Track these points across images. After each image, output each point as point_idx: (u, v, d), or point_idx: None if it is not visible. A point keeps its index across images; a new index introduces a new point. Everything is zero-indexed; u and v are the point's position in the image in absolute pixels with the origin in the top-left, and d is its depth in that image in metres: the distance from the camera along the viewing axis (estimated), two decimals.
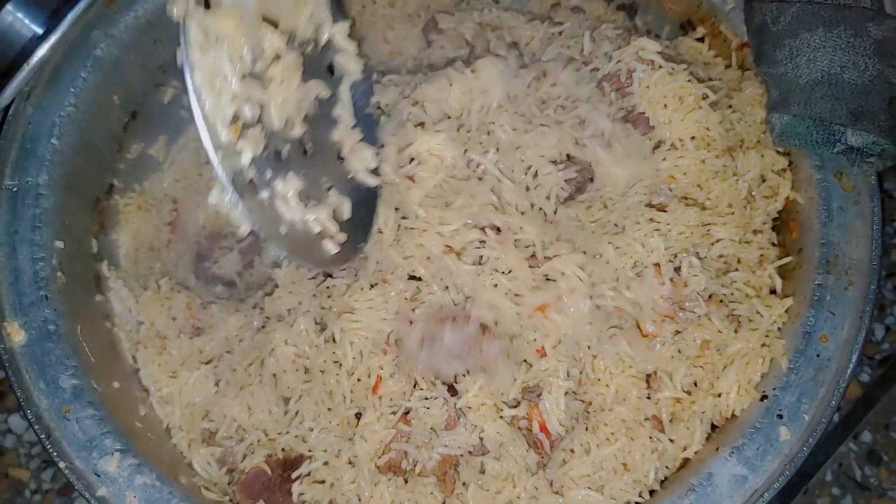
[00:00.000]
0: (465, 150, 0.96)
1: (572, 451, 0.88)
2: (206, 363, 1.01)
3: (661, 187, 0.97)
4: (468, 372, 0.89)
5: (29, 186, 0.97)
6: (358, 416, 0.93)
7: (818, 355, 0.88)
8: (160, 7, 1.06)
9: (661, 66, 0.98)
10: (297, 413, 0.96)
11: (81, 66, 1.03)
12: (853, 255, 0.91)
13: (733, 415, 0.89)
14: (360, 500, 0.90)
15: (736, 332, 0.91)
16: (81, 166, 1.03)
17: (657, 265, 0.91)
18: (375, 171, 0.92)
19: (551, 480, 0.89)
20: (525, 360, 0.90)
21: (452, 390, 0.90)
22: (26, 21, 0.94)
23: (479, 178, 0.95)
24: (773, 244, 0.99)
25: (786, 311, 0.92)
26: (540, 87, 1.02)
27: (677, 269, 0.91)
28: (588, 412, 0.90)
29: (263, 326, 1.00)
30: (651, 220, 0.92)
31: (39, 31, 0.95)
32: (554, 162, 0.97)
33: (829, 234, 0.93)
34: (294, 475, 0.93)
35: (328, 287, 0.97)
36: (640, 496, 0.88)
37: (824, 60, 0.93)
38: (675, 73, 0.98)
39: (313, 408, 0.95)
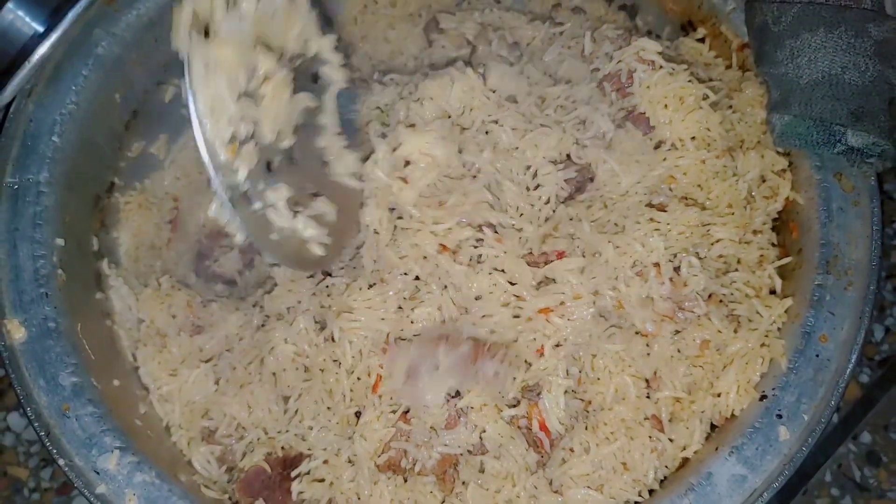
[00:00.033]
0: (461, 150, 0.96)
1: (572, 450, 0.88)
2: (206, 361, 1.01)
3: (662, 187, 0.97)
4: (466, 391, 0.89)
5: (30, 184, 0.97)
6: (357, 414, 0.93)
7: (817, 355, 0.88)
8: (161, 5, 1.06)
9: (661, 67, 0.98)
10: (296, 412, 0.96)
11: (83, 65, 1.03)
12: (853, 256, 0.92)
13: (733, 414, 0.90)
14: (359, 498, 0.90)
15: (735, 331, 0.91)
16: (82, 164, 1.03)
17: (657, 265, 0.91)
18: (358, 175, 0.95)
19: (551, 479, 0.89)
20: (525, 360, 0.90)
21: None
22: (27, 19, 0.95)
23: (474, 177, 0.95)
24: (773, 244, 0.99)
25: (785, 312, 0.92)
26: (540, 87, 1.02)
27: (677, 269, 0.91)
28: (588, 411, 0.91)
29: (263, 325, 1.00)
30: (651, 219, 0.92)
31: (40, 29, 0.95)
32: (554, 162, 0.97)
33: (829, 234, 0.93)
34: (293, 474, 0.93)
35: (327, 286, 0.97)
36: (640, 495, 0.88)
37: (825, 61, 0.94)
38: (676, 73, 0.98)
39: (313, 406, 0.95)
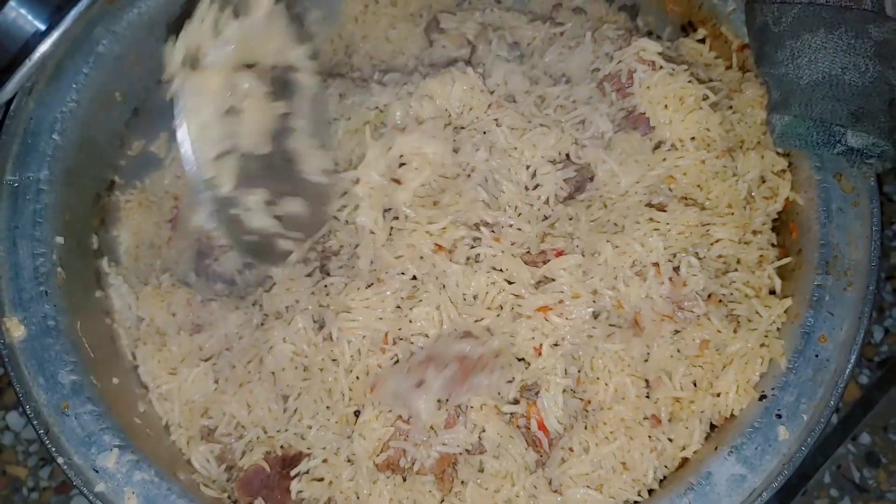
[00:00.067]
0: (458, 149, 0.97)
1: (571, 449, 0.88)
2: (206, 360, 1.01)
3: (661, 187, 0.97)
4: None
5: (30, 182, 0.97)
6: (357, 413, 0.93)
7: (817, 355, 0.88)
8: (162, 4, 1.06)
9: (661, 67, 0.98)
10: (295, 411, 0.96)
11: (84, 63, 1.03)
12: (852, 256, 0.92)
13: (732, 414, 0.89)
14: (358, 497, 0.90)
15: (735, 331, 0.91)
16: (82, 162, 1.03)
17: (656, 265, 0.91)
18: (328, 171, 0.99)
19: (550, 479, 0.89)
20: (524, 359, 0.90)
21: None
22: (29, 17, 0.95)
23: (468, 176, 0.96)
24: (773, 245, 1.00)
25: (785, 312, 0.92)
26: (540, 87, 1.02)
27: (676, 269, 0.91)
28: (587, 411, 0.91)
29: (262, 324, 1.00)
30: (651, 219, 0.92)
31: (42, 27, 0.96)
32: (553, 161, 0.97)
33: (829, 234, 0.93)
34: (293, 473, 0.93)
35: (326, 286, 0.97)
36: (639, 495, 0.88)
37: (825, 62, 0.94)
38: (676, 73, 0.98)
39: (312, 405, 0.95)
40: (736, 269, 0.95)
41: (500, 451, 0.89)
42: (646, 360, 0.91)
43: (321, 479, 0.92)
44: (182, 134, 0.84)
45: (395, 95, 1.03)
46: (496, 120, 0.98)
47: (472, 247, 0.92)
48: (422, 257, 0.92)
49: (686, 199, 0.96)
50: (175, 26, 0.84)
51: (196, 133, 0.84)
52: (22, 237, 0.95)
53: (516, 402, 0.90)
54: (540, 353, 0.89)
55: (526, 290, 0.90)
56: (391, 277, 0.93)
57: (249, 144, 0.90)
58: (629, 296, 0.91)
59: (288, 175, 0.96)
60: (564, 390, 0.89)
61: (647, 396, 0.90)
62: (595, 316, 0.91)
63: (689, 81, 0.98)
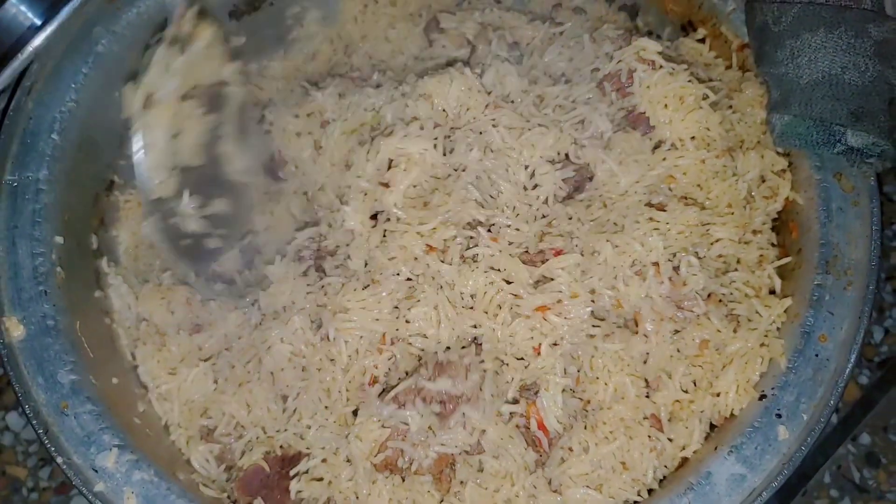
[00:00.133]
0: (452, 150, 0.97)
1: (571, 449, 0.88)
2: (205, 360, 1.01)
3: (661, 187, 0.97)
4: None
5: (29, 181, 0.97)
6: (355, 413, 0.93)
7: (817, 355, 0.88)
8: (162, 3, 1.06)
9: (661, 67, 0.98)
10: (294, 410, 0.96)
11: (83, 62, 1.03)
12: (852, 256, 0.92)
13: (732, 414, 0.89)
14: (357, 497, 0.90)
15: (735, 331, 0.91)
16: (82, 162, 1.03)
17: (656, 264, 0.91)
18: (252, 172, 1.07)
19: (550, 479, 0.89)
20: (522, 358, 0.90)
21: None
22: (29, 14, 0.95)
23: (459, 176, 0.96)
24: (773, 244, 1.00)
25: (785, 311, 0.92)
26: (539, 87, 1.02)
27: (676, 269, 0.91)
28: (586, 410, 0.90)
29: (260, 323, 1.00)
30: (650, 219, 0.92)
31: (38, 22, 0.96)
32: (552, 161, 0.97)
33: (829, 234, 0.93)
34: (292, 472, 0.93)
35: (323, 286, 0.97)
36: (639, 495, 0.88)
37: (825, 61, 0.94)
38: (676, 73, 0.98)
39: (311, 405, 0.95)
40: (736, 269, 0.95)
41: (500, 450, 0.89)
42: (645, 361, 0.91)
43: (320, 479, 0.92)
44: (139, 160, 0.96)
45: (390, 97, 1.03)
46: (493, 120, 0.98)
47: (469, 247, 0.92)
48: (416, 258, 0.92)
49: (686, 198, 0.96)
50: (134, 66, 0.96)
51: (149, 161, 0.96)
52: (21, 237, 0.95)
53: (515, 401, 0.89)
54: (539, 353, 0.89)
55: (524, 290, 0.90)
56: (386, 279, 0.93)
57: (188, 158, 0.99)
58: (629, 295, 0.90)
59: (215, 177, 1.03)
60: (564, 390, 0.89)
61: (647, 396, 0.90)
62: (594, 315, 0.91)
63: (689, 81, 0.98)
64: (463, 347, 0.91)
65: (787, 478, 0.84)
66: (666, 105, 0.98)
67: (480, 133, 0.98)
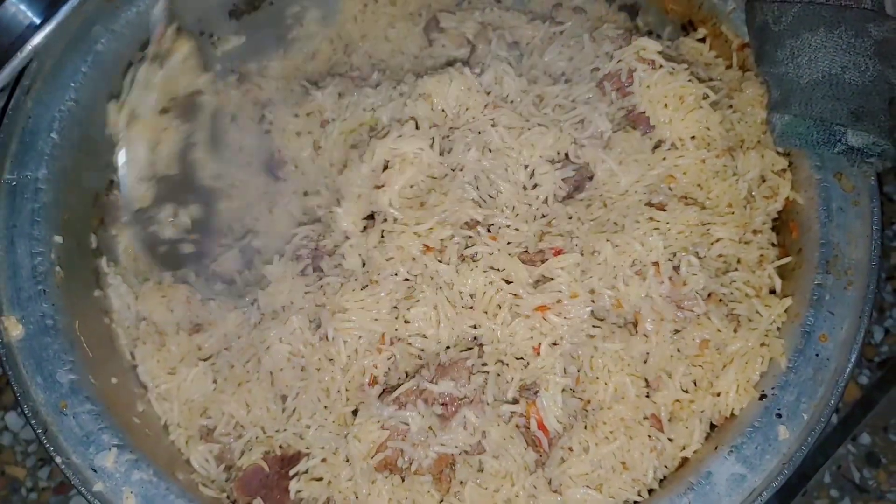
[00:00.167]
0: (450, 150, 0.97)
1: (571, 449, 0.88)
2: (205, 360, 1.01)
3: (661, 186, 0.97)
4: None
5: (28, 181, 0.97)
6: (355, 412, 0.93)
7: (817, 355, 0.88)
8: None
9: (661, 66, 0.98)
10: (294, 410, 0.96)
11: (82, 61, 1.03)
12: (852, 255, 0.91)
13: (732, 414, 0.89)
14: (357, 497, 0.90)
15: (735, 331, 0.91)
16: (81, 161, 1.03)
17: (656, 264, 0.91)
18: (219, 176, 1.11)
19: (550, 479, 0.89)
20: (522, 358, 0.90)
21: None
22: (28, 13, 0.95)
23: (455, 176, 0.96)
24: (773, 244, 0.99)
25: (785, 311, 0.92)
26: (539, 87, 1.02)
27: (676, 268, 0.91)
28: (587, 410, 0.90)
29: (259, 323, 1.00)
30: (650, 218, 0.92)
31: (37, 20, 0.96)
32: (551, 161, 0.97)
33: (829, 234, 0.93)
34: (292, 472, 0.93)
35: (322, 286, 0.97)
36: (639, 495, 0.88)
37: (825, 61, 0.94)
38: (676, 72, 0.98)
39: (310, 405, 0.94)
40: (736, 269, 0.95)
41: (500, 450, 0.88)
42: (645, 360, 0.91)
43: (320, 479, 0.92)
44: (122, 175, 1.01)
45: (389, 97, 1.03)
46: (492, 120, 0.98)
47: (467, 246, 0.92)
48: (413, 259, 0.92)
49: (686, 198, 0.96)
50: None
51: (132, 175, 1.01)
52: (20, 236, 0.95)
53: (515, 401, 0.89)
54: (538, 353, 0.89)
55: (524, 290, 0.90)
56: (384, 279, 0.93)
57: (164, 168, 1.04)
58: (629, 295, 0.90)
59: (189, 184, 1.08)
60: (564, 390, 0.89)
61: (648, 396, 0.90)
62: (594, 315, 0.91)
63: (689, 80, 0.97)
64: (468, 349, 0.91)
65: (788, 478, 0.84)
66: (666, 105, 0.97)
67: (479, 133, 0.98)
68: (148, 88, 1.00)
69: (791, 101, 0.95)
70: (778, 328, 0.92)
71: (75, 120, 1.01)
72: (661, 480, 0.90)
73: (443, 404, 0.88)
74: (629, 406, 0.89)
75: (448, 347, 0.92)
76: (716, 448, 0.86)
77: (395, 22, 1.22)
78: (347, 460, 0.91)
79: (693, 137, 0.97)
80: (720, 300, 0.92)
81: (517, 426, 0.89)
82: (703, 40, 1.11)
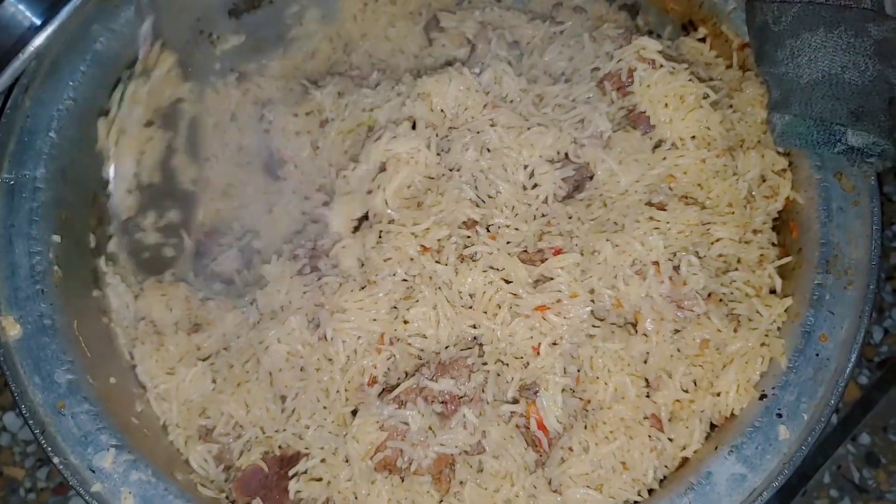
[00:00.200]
0: (448, 150, 0.97)
1: (571, 449, 0.88)
2: (204, 360, 1.01)
3: (661, 186, 0.97)
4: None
5: (26, 180, 0.97)
6: (354, 412, 0.92)
7: (817, 354, 0.88)
8: (161, 1, 1.05)
9: (662, 66, 0.98)
10: (293, 410, 0.95)
11: (81, 60, 1.02)
12: (852, 255, 0.91)
13: (732, 414, 0.89)
14: (356, 498, 0.90)
15: (735, 331, 0.91)
16: (80, 160, 1.03)
17: (656, 263, 0.91)
18: (196, 180, 1.14)
19: (550, 479, 0.88)
20: (521, 358, 0.90)
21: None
22: (27, 13, 0.95)
23: (452, 176, 0.96)
24: (773, 244, 0.99)
25: (785, 311, 0.92)
26: (539, 86, 1.02)
27: (676, 268, 0.91)
28: (587, 410, 0.90)
29: (259, 322, 1.00)
30: (651, 218, 0.92)
31: (38, 21, 0.96)
32: (551, 161, 0.97)
33: (829, 234, 0.93)
34: (291, 473, 0.93)
35: (321, 286, 0.97)
36: (639, 495, 0.88)
37: (825, 61, 0.94)
38: (676, 72, 0.98)
39: (309, 405, 0.94)
40: (736, 269, 0.95)
41: (500, 450, 0.88)
42: (645, 360, 0.91)
43: (319, 479, 0.92)
44: (112, 190, 1.04)
45: (386, 98, 1.03)
46: (491, 120, 0.98)
47: (466, 246, 0.92)
48: (411, 259, 0.92)
49: (686, 197, 0.96)
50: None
51: (121, 188, 1.05)
52: (18, 235, 0.94)
53: (515, 401, 0.89)
54: (538, 353, 0.89)
55: (523, 290, 0.90)
56: (383, 279, 0.93)
57: (148, 177, 1.07)
58: (629, 295, 0.90)
59: (169, 189, 1.11)
60: (564, 389, 0.88)
61: (648, 396, 0.90)
62: (594, 315, 0.90)
63: (690, 80, 0.97)
64: (468, 349, 0.91)
65: (788, 478, 0.83)
66: (666, 104, 0.97)
67: (478, 133, 0.98)
68: (135, 103, 1.04)
69: (791, 101, 0.95)
70: (778, 328, 0.91)
71: (74, 119, 1.01)
72: (661, 480, 0.90)
73: (442, 402, 0.88)
74: (629, 406, 0.88)
75: (448, 347, 0.91)
76: (716, 448, 0.86)
77: (395, 21, 1.22)
78: (347, 460, 0.91)
79: (693, 137, 0.97)
80: (720, 300, 0.92)
81: (517, 426, 0.89)
82: (703, 40, 1.11)
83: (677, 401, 0.91)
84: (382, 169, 0.98)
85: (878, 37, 0.94)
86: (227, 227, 1.16)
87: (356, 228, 1.00)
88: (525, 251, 0.93)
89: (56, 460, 0.86)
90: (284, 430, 0.95)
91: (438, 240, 0.92)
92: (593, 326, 0.90)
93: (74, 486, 0.85)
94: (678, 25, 1.15)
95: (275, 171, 1.13)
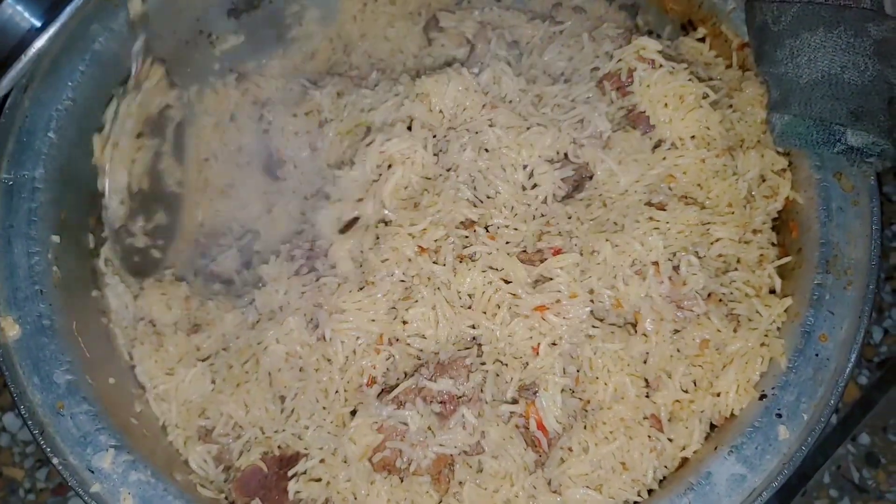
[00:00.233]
0: (446, 150, 0.97)
1: (570, 449, 0.88)
2: (203, 360, 1.00)
3: (661, 186, 0.97)
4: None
5: (25, 180, 0.97)
6: (354, 413, 0.92)
7: (817, 354, 0.88)
8: (160, 1, 1.05)
9: (661, 66, 0.98)
10: (293, 411, 0.95)
11: (80, 60, 1.02)
12: (852, 255, 0.91)
13: (732, 414, 0.89)
14: (355, 498, 0.90)
15: (735, 331, 0.90)
16: (78, 161, 1.03)
17: (656, 264, 0.91)
18: (181, 183, 1.18)
19: (549, 479, 0.88)
20: (520, 358, 0.90)
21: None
22: (26, 14, 0.95)
23: (449, 177, 0.96)
24: (773, 244, 0.99)
25: (785, 311, 0.92)
26: (538, 86, 1.02)
27: (676, 268, 0.91)
28: (586, 410, 0.90)
29: (258, 322, 1.00)
30: (650, 218, 0.92)
31: (37, 23, 0.95)
32: (550, 161, 0.97)
33: (829, 233, 0.93)
34: (290, 473, 0.92)
35: (319, 287, 0.97)
36: (639, 495, 0.88)
37: (824, 60, 0.94)
38: (676, 72, 0.98)
39: (309, 406, 0.94)
40: (736, 269, 0.95)
41: (499, 451, 0.88)
42: (645, 360, 0.91)
43: (319, 480, 0.92)
44: (106, 200, 1.06)
45: (385, 98, 1.03)
46: (490, 120, 0.98)
47: (465, 246, 0.92)
48: (409, 260, 0.92)
49: (686, 197, 0.96)
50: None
51: (115, 199, 1.07)
52: (17, 236, 0.94)
53: (515, 401, 0.89)
54: (538, 353, 0.89)
55: (523, 290, 0.90)
56: (381, 280, 0.93)
57: (137, 184, 1.10)
58: (629, 295, 0.90)
59: (156, 193, 1.13)
60: (563, 390, 0.88)
61: (647, 396, 0.90)
62: (594, 315, 0.90)
63: (689, 80, 0.97)
64: (467, 349, 0.91)
65: (787, 478, 0.83)
66: (666, 104, 0.97)
67: (476, 133, 0.98)
68: (127, 116, 1.06)
69: (791, 101, 0.95)
70: (778, 328, 0.91)
71: (73, 119, 1.01)
72: (660, 481, 0.89)
73: (441, 403, 0.88)
74: (629, 406, 0.88)
75: (447, 346, 0.91)
76: (716, 448, 0.86)
77: (395, 21, 1.22)
78: (346, 461, 0.91)
79: (693, 137, 0.97)
80: (720, 300, 0.92)
81: (516, 426, 0.89)
82: (702, 40, 1.11)
83: (677, 401, 0.90)
84: (379, 174, 0.98)
85: (877, 37, 0.93)
86: (226, 228, 1.16)
87: (346, 228, 1.00)
88: (524, 251, 0.93)
89: (55, 461, 0.86)
90: (284, 430, 0.95)
91: (435, 240, 0.92)
92: (593, 327, 0.90)
93: (74, 486, 0.85)
94: (678, 25, 1.15)
95: (274, 171, 1.13)
